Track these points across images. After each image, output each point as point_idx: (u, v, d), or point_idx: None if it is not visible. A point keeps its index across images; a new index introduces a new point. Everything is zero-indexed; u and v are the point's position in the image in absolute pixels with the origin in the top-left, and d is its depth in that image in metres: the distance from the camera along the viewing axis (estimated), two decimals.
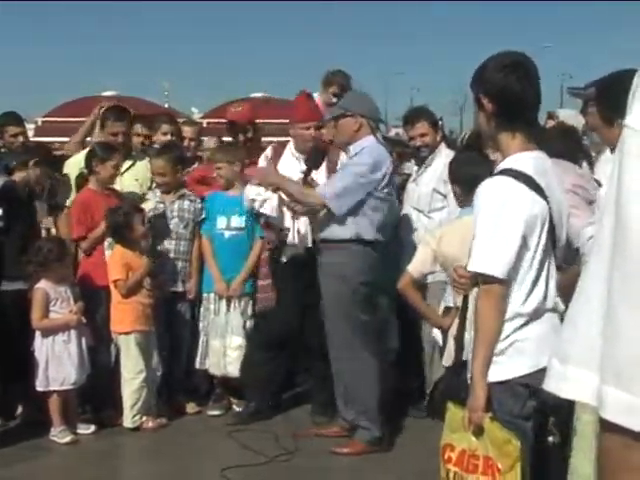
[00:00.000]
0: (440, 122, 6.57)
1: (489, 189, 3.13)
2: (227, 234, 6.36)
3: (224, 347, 6.23)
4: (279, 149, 6.18)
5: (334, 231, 5.44)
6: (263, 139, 7.09)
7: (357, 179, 5.37)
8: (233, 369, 6.23)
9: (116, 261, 5.96)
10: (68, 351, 5.73)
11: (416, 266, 4.86)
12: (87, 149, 6.52)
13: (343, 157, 5.82)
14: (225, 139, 7.48)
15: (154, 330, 6.03)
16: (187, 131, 7.29)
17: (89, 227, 6.14)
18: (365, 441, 5.54)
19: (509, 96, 3.16)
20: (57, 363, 5.71)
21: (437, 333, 4.78)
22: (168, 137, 7.02)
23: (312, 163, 5.71)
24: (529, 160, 3.17)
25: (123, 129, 6.63)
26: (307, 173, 5.65)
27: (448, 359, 4.29)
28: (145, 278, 5.98)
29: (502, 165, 3.19)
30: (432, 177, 6.13)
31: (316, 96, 6.73)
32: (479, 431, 3.15)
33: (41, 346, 5.74)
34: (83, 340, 5.81)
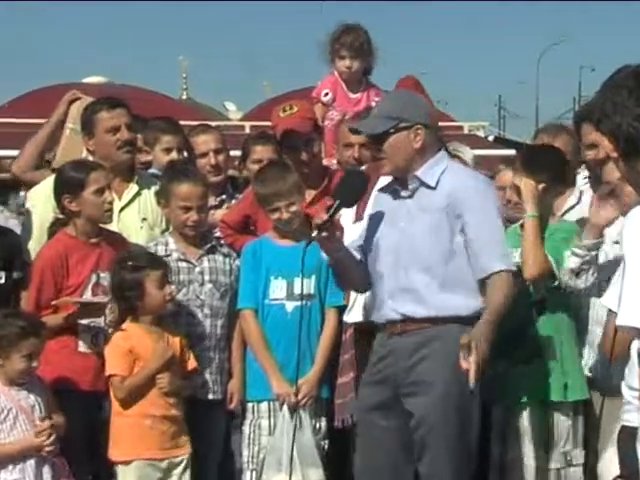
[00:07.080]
0: None
1: None
2: (289, 306, 4.43)
3: None
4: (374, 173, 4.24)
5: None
6: None
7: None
8: None
9: (116, 345, 4.21)
10: None
11: None
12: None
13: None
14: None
15: (183, 457, 4.29)
16: (204, 142, 5.07)
17: (56, 296, 4.29)
18: None
19: None
20: None
21: None
22: (173, 155, 4.91)
23: (343, 197, 3.93)
24: None
25: (126, 120, 4.49)
26: (333, 213, 3.86)
27: None
28: (163, 375, 4.21)
29: None
30: None
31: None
32: None
33: None
34: (48, 477, 4.09)
